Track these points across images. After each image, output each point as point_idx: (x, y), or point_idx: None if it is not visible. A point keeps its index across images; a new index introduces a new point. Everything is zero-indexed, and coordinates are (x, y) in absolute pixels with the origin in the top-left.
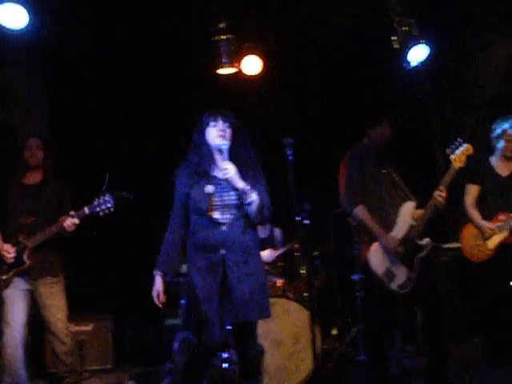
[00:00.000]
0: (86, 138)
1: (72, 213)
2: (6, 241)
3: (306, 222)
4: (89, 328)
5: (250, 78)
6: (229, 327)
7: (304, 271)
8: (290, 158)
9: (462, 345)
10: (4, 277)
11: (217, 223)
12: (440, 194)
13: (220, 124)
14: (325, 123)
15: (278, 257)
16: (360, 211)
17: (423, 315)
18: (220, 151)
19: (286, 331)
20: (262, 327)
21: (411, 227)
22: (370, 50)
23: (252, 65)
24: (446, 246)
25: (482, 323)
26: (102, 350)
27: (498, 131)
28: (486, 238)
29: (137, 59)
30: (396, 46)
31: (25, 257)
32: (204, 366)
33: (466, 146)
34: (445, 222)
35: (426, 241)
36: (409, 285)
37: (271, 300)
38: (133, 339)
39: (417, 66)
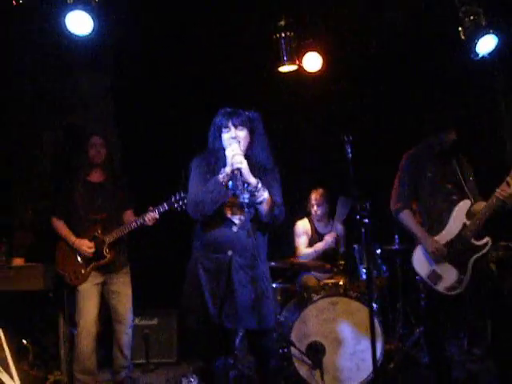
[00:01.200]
0: (152, 139)
1: (151, 208)
2: (78, 235)
3: (366, 220)
4: (154, 322)
5: (310, 75)
6: (240, 333)
7: (365, 270)
8: (350, 155)
9: None
10: (83, 271)
11: (228, 222)
12: (504, 189)
13: (232, 130)
14: (386, 120)
15: (341, 255)
16: (404, 216)
17: (490, 318)
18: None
19: (347, 331)
20: (324, 326)
21: (465, 227)
22: (433, 43)
23: (312, 62)
24: None
25: None
26: (166, 343)
27: None
28: None
29: (200, 60)
30: (462, 37)
31: (105, 251)
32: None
33: None
34: None
35: (484, 240)
36: (458, 287)
37: (334, 299)
38: (197, 334)
39: (485, 57)
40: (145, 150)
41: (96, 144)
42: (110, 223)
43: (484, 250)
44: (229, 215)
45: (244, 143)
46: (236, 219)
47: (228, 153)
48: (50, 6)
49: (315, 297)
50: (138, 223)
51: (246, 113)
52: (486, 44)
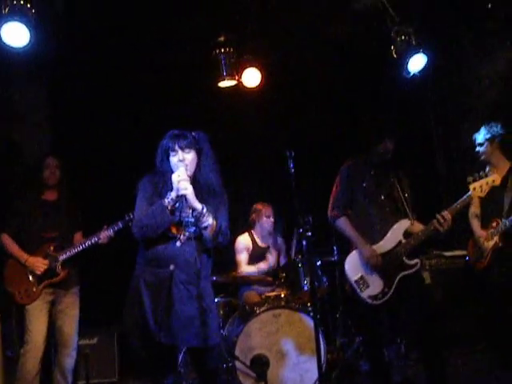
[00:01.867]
0: (90, 153)
1: (105, 226)
2: (30, 253)
3: (309, 233)
4: (94, 341)
5: (249, 90)
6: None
7: (307, 282)
8: (292, 170)
9: (467, 353)
10: (34, 289)
11: (171, 238)
12: (442, 221)
13: (179, 153)
14: (325, 134)
15: (281, 268)
16: (341, 223)
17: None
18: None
19: (290, 342)
20: (267, 339)
21: (399, 244)
22: (369, 61)
23: (252, 77)
24: (450, 254)
25: (486, 330)
26: (106, 363)
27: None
28: (480, 246)
29: (139, 73)
30: (394, 55)
31: (58, 269)
32: None
33: (494, 176)
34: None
35: (414, 261)
36: (381, 298)
37: (277, 311)
38: (140, 351)
39: (416, 75)
40: (82, 165)
41: (51, 165)
42: (62, 242)
43: (412, 270)
44: (173, 232)
45: (191, 165)
46: (179, 235)
47: (174, 178)
48: None
49: (258, 310)
50: (93, 241)
51: (193, 134)
52: (417, 62)
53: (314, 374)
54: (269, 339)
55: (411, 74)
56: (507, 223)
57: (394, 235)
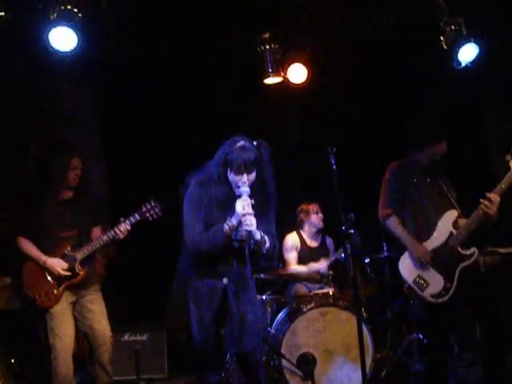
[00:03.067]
0: (138, 155)
1: (122, 219)
2: (47, 254)
3: (352, 231)
4: (144, 338)
5: (296, 87)
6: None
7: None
8: (334, 166)
9: None
10: (55, 291)
11: (226, 255)
12: (488, 204)
13: (244, 176)
14: (371, 131)
15: (329, 266)
16: (391, 223)
17: (479, 326)
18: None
19: (337, 340)
20: (314, 337)
21: (451, 236)
22: (418, 53)
23: (298, 73)
24: (505, 250)
25: None
26: (156, 359)
27: None
28: None
29: (185, 72)
30: (445, 46)
31: (77, 268)
32: None
33: None
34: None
35: (471, 250)
36: (444, 295)
37: (324, 309)
38: (187, 349)
39: (467, 66)
40: (130, 165)
41: (76, 167)
42: (79, 240)
43: (471, 260)
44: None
45: (251, 182)
46: (233, 251)
47: (238, 208)
48: (34, 22)
49: (305, 308)
50: (110, 236)
51: (256, 146)
52: (468, 53)
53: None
54: (316, 337)
55: (462, 65)
56: None
57: (444, 227)
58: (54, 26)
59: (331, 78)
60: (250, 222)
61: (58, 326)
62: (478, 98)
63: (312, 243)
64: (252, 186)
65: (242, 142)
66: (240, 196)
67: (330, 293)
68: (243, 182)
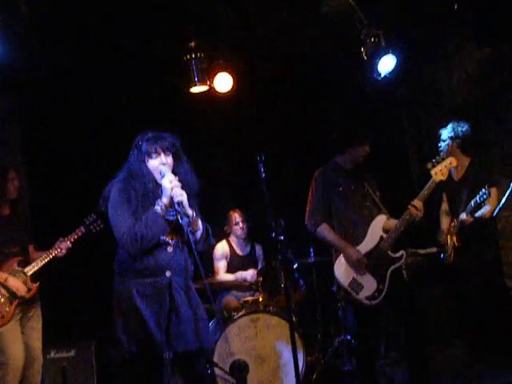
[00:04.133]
0: (59, 163)
1: (61, 238)
2: None
3: (281, 237)
4: (71, 354)
5: (222, 96)
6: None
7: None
8: (264, 174)
9: (446, 348)
10: (7, 309)
11: (163, 244)
12: (415, 208)
13: (161, 156)
14: (297, 138)
15: (258, 272)
16: (322, 229)
17: (402, 325)
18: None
19: (269, 346)
20: (246, 344)
21: (382, 239)
22: (339, 63)
23: (223, 82)
24: (423, 251)
25: (461, 324)
26: (84, 375)
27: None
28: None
29: (109, 81)
30: (364, 57)
31: (28, 284)
32: None
33: (450, 159)
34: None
35: (400, 253)
36: (377, 297)
37: (254, 316)
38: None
39: (386, 77)
40: (51, 174)
41: (14, 178)
42: (24, 256)
43: (400, 262)
44: (163, 239)
45: (171, 168)
46: (170, 241)
47: (166, 184)
48: None
49: (236, 315)
50: (53, 254)
51: (170, 136)
52: (387, 63)
53: (293, 377)
54: (247, 344)
55: (381, 76)
56: (459, 222)
57: (375, 232)
58: None
59: (257, 87)
60: (180, 193)
61: (8, 346)
62: (397, 104)
63: (240, 251)
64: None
65: (151, 132)
66: (163, 176)
67: (260, 299)
68: (163, 164)
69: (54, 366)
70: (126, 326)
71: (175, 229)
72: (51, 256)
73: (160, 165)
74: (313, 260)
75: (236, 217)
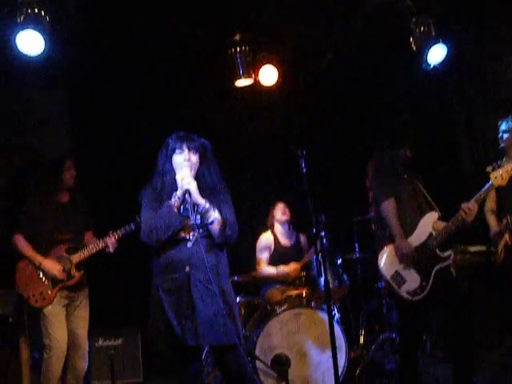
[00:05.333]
0: (108, 157)
1: (111, 231)
2: (42, 255)
3: (322, 233)
4: (118, 342)
5: (266, 89)
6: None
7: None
8: (304, 169)
9: (495, 349)
10: (49, 292)
11: (182, 240)
12: (469, 211)
13: (185, 152)
14: (341, 133)
15: (302, 267)
16: (388, 206)
17: (449, 324)
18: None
19: (311, 341)
20: (288, 338)
21: (431, 237)
22: (388, 55)
23: (268, 75)
24: (474, 249)
25: (508, 326)
26: (131, 363)
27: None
28: (494, 243)
29: (154, 76)
30: (414, 47)
31: (72, 271)
32: None
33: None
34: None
35: (448, 253)
36: (419, 293)
37: (297, 310)
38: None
39: (436, 67)
40: (100, 169)
41: (70, 168)
42: (74, 243)
43: (447, 262)
44: (182, 235)
45: (195, 168)
46: (189, 236)
47: (178, 176)
48: (1, 26)
49: (278, 309)
50: (101, 246)
51: (200, 139)
52: (437, 54)
53: (336, 372)
54: (289, 339)
55: (431, 67)
56: None
57: (424, 228)
58: (21, 30)
59: (302, 80)
60: (188, 182)
61: (52, 328)
62: (448, 97)
63: (286, 242)
64: (196, 175)
65: (182, 132)
66: (180, 170)
67: (304, 294)
68: (186, 160)
69: (102, 353)
70: (152, 320)
71: (189, 226)
72: (98, 248)
73: (183, 161)
74: (358, 256)
75: (281, 207)
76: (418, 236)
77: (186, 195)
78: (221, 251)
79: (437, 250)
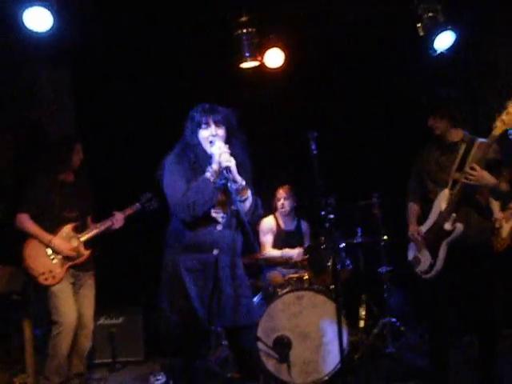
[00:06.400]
0: (112, 135)
1: (116, 212)
2: (49, 233)
3: (331, 216)
4: (119, 321)
5: (272, 71)
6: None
7: (330, 264)
8: (314, 151)
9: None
10: (58, 270)
11: (212, 221)
12: (469, 173)
13: (212, 127)
14: (348, 115)
15: (305, 250)
16: (409, 207)
17: (472, 304)
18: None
19: (313, 324)
20: (290, 320)
21: (440, 213)
22: (394, 39)
23: (275, 58)
24: None
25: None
26: (132, 342)
27: None
28: (498, 227)
29: (160, 56)
30: (421, 33)
31: (81, 249)
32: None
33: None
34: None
35: (455, 226)
36: (429, 271)
37: (299, 293)
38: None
39: (443, 53)
40: (105, 146)
41: (79, 151)
42: (81, 222)
43: (453, 235)
44: (213, 214)
45: (223, 141)
46: (220, 218)
47: (215, 150)
48: (8, 2)
49: (281, 291)
50: (107, 225)
51: (225, 110)
52: (445, 40)
53: (336, 355)
54: (291, 321)
55: (437, 52)
56: None
57: (437, 207)
58: (29, 6)
59: (308, 62)
60: (228, 159)
61: (62, 303)
62: (455, 84)
63: (286, 227)
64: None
65: (207, 104)
66: (213, 144)
67: (305, 277)
68: (213, 135)
69: (103, 331)
70: (170, 297)
71: (225, 199)
72: (105, 226)
73: (210, 136)
74: (360, 240)
75: (281, 193)
76: (431, 218)
77: (225, 171)
78: (240, 233)
79: (444, 225)
